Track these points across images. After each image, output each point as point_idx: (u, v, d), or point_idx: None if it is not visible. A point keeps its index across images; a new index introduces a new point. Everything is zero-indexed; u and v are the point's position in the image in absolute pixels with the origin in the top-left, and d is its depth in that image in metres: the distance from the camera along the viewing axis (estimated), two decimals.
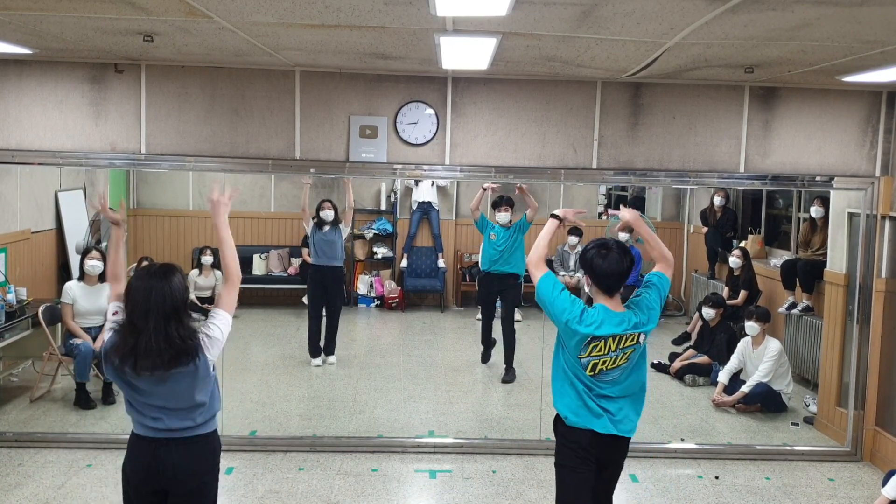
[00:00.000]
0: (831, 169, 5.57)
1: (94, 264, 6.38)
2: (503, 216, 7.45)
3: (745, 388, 6.60)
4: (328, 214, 7.72)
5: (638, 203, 11.88)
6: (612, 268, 3.37)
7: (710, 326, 7.62)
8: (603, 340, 3.34)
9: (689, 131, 5.52)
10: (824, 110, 5.52)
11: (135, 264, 8.28)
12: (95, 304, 6.41)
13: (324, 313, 7.82)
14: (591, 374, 3.39)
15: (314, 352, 7.80)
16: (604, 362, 3.37)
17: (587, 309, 3.39)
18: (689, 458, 5.66)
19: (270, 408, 6.48)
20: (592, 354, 3.36)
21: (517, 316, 9.70)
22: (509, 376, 7.39)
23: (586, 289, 3.51)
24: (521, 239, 7.43)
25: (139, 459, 2.97)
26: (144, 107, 5.36)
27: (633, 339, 3.40)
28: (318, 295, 7.78)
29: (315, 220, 7.74)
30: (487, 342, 7.87)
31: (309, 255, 8.02)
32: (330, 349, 7.86)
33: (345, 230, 7.79)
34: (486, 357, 7.92)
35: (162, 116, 5.36)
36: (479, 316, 8.17)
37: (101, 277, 6.51)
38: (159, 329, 2.82)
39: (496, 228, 7.47)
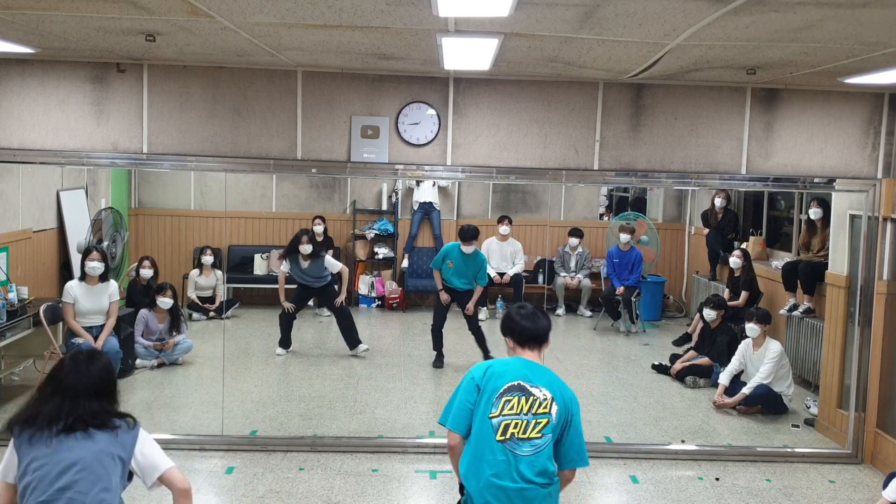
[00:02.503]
0: (833, 171, 5.56)
1: (94, 265, 6.39)
2: (469, 248, 7.77)
3: (745, 390, 6.60)
4: (306, 249, 7.90)
5: (639, 204, 11.88)
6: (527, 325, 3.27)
7: (711, 328, 7.61)
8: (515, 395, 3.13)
9: (690, 132, 5.52)
10: (826, 112, 5.52)
11: (135, 264, 8.29)
12: (97, 303, 6.43)
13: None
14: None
15: (282, 343, 8.17)
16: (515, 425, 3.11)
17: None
18: (689, 459, 5.66)
19: (271, 407, 6.48)
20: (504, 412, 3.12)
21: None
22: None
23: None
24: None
25: None
26: (146, 106, 5.36)
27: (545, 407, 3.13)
28: (298, 300, 8.25)
29: (288, 258, 8.04)
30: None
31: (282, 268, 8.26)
32: (352, 342, 8.11)
33: (326, 256, 8.05)
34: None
35: (164, 116, 5.37)
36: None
37: (103, 277, 6.52)
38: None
39: (455, 255, 7.84)
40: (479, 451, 3.12)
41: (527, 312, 3.30)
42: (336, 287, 8.25)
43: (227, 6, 3.46)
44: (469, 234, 7.75)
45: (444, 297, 8.00)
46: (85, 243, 7.92)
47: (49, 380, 2.88)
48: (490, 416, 3.11)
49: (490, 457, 3.09)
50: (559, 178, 5.57)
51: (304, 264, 7.95)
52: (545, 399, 3.10)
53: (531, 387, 3.12)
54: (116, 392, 2.96)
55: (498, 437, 3.08)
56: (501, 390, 3.12)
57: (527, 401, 3.09)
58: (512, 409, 3.09)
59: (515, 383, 3.13)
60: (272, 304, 10.45)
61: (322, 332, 9.42)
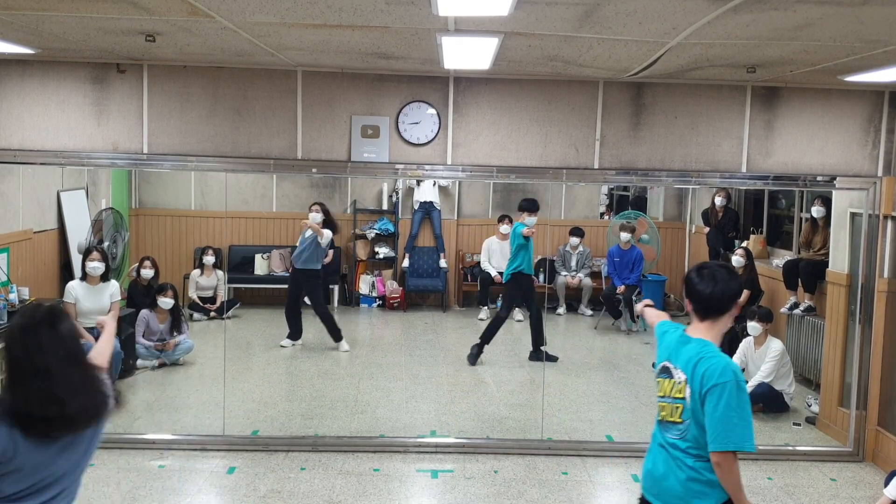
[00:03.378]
0: (833, 169, 5.56)
1: (95, 265, 6.39)
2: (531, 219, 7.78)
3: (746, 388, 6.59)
4: (314, 218, 8.10)
5: (640, 203, 11.88)
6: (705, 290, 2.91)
7: None
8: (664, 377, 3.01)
9: (691, 131, 5.51)
10: (826, 110, 5.52)
11: (136, 265, 8.29)
12: (98, 303, 6.42)
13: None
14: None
15: (290, 335, 8.41)
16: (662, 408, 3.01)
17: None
18: None
19: (272, 407, 6.49)
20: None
21: (519, 316, 9.75)
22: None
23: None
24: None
25: None
26: (146, 106, 5.37)
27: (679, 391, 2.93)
28: (292, 292, 8.45)
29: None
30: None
31: None
32: (335, 337, 8.27)
33: (323, 241, 8.06)
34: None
35: (164, 116, 5.37)
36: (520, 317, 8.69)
37: (103, 277, 6.52)
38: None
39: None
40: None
41: (707, 272, 2.92)
42: (319, 281, 8.37)
43: (227, 6, 3.46)
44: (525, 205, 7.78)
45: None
46: (85, 244, 7.91)
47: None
48: (657, 393, 3.08)
49: (656, 432, 3.08)
50: (559, 177, 5.57)
51: (307, 232, 8.08)
52: (680, 382, 2.92)
53: (674, 368, 2.96)
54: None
55: (658, 417, 3.05)
56: (658, 369, 3.05)
57: (670, 383, 2.96)
58: (661, 391, 3.01)
59: (663, 364, 3.01)
60: (273, 304, 10.46)
61: (323, 332, 9.42)
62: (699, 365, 2.83)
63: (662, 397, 2.98)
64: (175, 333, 7.63)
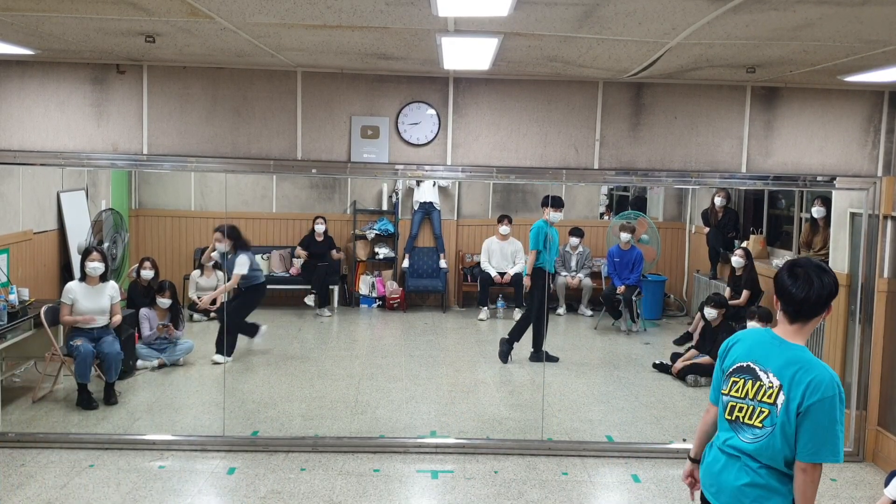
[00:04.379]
0: (833, 169, 5.56)
1: (95, 266, 6.39)
2: (559, 215, 7.97)
3: None
4: (219, 249, 8.05)
5: (640, 203, 11.88)
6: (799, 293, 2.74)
7: (713, 327, 7.61)
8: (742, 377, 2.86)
9: (690, 131, 5.52)
10: (826, 110, 5.52)
11: (136, 265, 8.29)
12: (97, 304, 6.42)
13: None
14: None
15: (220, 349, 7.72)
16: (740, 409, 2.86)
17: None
18: None
19: (272, 408, 6.48)
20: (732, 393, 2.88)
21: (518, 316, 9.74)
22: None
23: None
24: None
25: None
26: (146, 107, 5.37)
27: (769, 395, 2.77)
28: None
29: None
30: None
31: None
32: (218, 349, 7.73)
33: (240, 269, 7.72)
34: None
35: (164, 117, 5.37)
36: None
37: (102, 277, 6.52)
38: None
39: (552, 230, 7.94)
40: (719, 423, 2.95)
41: (801, 272, 2.74)
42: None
43: (227, 7, 3.46)
44: (556, 200, 7.89)
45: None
46: (85, 244, 7.92)
47: None
48: (723, 392, 2.91)
49: (722, 432, 2.94)
50: (559, 178, 5.57)
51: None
52: (771, 388, 2.73)
53: (761, 370, 2.78)
54: None
55: (726, 416, 2.88)
56: (732, 368, 2.87)
57: (753, 385, 2.78)
58: (738, 391, 2.83)
59: (745, 364, 2.83)
60: (273, 305, 10.47)
61: (323, 333, 9.43)
62: (800, 374, 2.68)
63: (742, 398, 2.81)
64: (174, 329, 7.67)
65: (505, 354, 7.99)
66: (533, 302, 8.06)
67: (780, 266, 2.81)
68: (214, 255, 7.90)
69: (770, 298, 8.38)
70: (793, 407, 2.67)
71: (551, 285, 10.45)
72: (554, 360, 8.02)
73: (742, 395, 2.81)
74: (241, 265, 7.66)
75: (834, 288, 2.75)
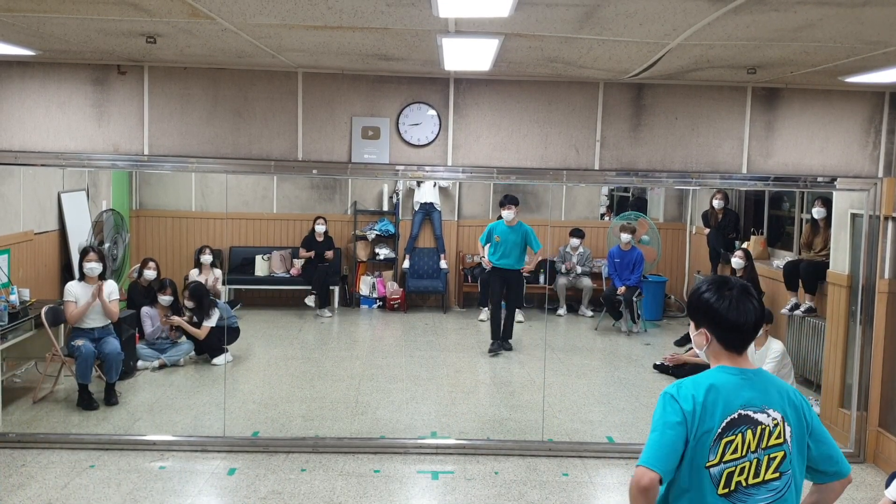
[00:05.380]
0: (834, 170, 5.56)
1: (92, 266, 6.38)
2: (508, 213, 8.19)
3: None
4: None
5: (640, 204, 11.88)
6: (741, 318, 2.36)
7: None
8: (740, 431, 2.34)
9: (691, 132, 5.52)
10: (827, 111, 5.52)
11: (137, 265, 8.29)
12: (95, 305, 6.41)
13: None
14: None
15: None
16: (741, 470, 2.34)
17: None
18: None
19: (273, 409, 6.48)
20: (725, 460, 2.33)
21: (519, 317, 9.76)
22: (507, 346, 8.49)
23: (699, 351, 2.49)
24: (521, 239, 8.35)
25: None
26: (147, 108, 5.37)
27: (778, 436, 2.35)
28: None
29: None
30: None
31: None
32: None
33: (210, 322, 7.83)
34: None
35: (165, 118, 5.37)
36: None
37: (101, 277, 6.51)
38: None
39: (512, 228, 8.26)
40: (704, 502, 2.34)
41: (733, 297, 2.36)
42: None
43: (228, 8, 3.46)
44: (508, 199, 8.19)
45: (486, 262, 8.56)
46: (86, 245, 7.92)
47: None
48: (707, 465, 2.32)
49: None
50: (560, 179, 5.57)
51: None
52: (777, 425, 2.33)
53: (756, 413, 2.33)
54: None
55: (720, 491, 2.31)
56: (719, 430, 2.31)
57: (754, 435, 2.32)
58: (736, 451, 2.31)
59: (736, 415, 2.32)
60: (273, 306, 10.48)
61: (323, 334, 9.43)
62: (784, 397, 2.38)
63: (742, 457, 2.31)
64: (174, 330, 7.68)
65: (495, 352, 8.40)
66: (490, 296, 8.66)
67: (699, 291, 2.42)
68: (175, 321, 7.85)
69: (770, 299, 8.35)
70: (799, 433, 2.39)
71: (551, 287, 10.47)
72: (507, 348, 8.50)
73: (743, 454, 2.32)
74: (213, 318, 7.76)
75: (763, 310, 2.44)
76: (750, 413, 2.33)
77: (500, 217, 8.48)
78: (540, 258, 9.34)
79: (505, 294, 8.47)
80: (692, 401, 2.33)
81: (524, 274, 8.72)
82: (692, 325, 2.48)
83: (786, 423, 2.36)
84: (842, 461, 2.45)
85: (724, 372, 2.38)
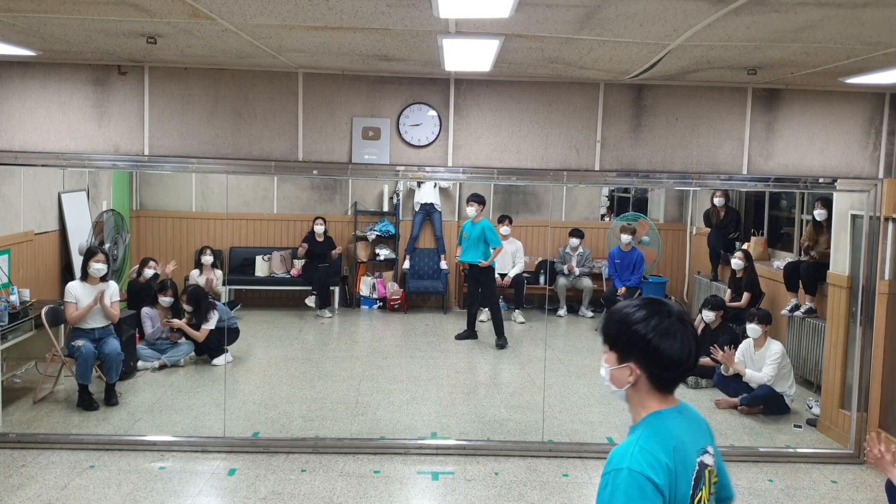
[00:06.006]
0: (834, 171, 5.56)
1: (99, 267, 6.37)
2: (471, 210, 8.72)
3: (747, 373, 6.63)
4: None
5: (640, 205, 11.88)
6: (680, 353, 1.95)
7: (712, 329, 7.61)
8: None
9: (691, 133, 5.52)
10: (827, 112, 5.52)
11: (137, 266, 8.29)
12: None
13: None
14: None
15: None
16: None
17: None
18: None
19: (273, 409, 6.48)
20: None
21: (520, 318, 9.76)
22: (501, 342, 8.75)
23: (615, 389, 2.15)
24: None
25: None
26: (147, 108, 5.37)
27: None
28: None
29: None
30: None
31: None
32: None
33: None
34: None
35: (165, 118, 5.37)
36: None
37: (103, 278, 6.51)
38: None
39: (476, 226, 8.75)
40: None
41: (674, 327, 1.94)
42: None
43: (228, 8, 3.46)
44: (472, 197, 8.69)
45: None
46: (86, 245, 7.92)
47: None
48: None
49: None
50: (560, 179, 5.57)
51: None
52: (713, 458, 2.05)
53: (703, 455, 2.00)
54: None
55: None
56: (691, 492, 1.94)
57: (709, 482, 2.00)
58: (705, 497, 1.99)
59: (697, 467, 1.97)
60: (274, 306, 10.48)
61: (323, 334, 9.43)
62: (704, 429, 2.10)
63: None
64: (175, 330, 7.68)
65: (464, 338, 9.04)
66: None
67: (629, 316, 1.97)
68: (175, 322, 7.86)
69: (771, 300, 8.35)
70: (719, 465, 2.09)
71: (551, 287, 10.47)
72: (473, 336, 9.04)
73: (705, 499, 1.99)
74: (212, 321, 7.76)
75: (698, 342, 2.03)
76: (702, 459, 2.00)
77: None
78: (511, 260, 9.98)
79: (480, 292, 8.90)
80: (666, 472, 1.88)
81: (493, 269, 9.01)
82: (611, 355, 2.03)
83: (715, 452, 2.07)
84: (731, 486, 2.15)
85: (671, 419, 2.00)
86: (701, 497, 1.94)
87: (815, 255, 7.24)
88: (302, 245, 10.25)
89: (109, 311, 6.44)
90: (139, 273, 8.11)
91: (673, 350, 1.92)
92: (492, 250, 8.69)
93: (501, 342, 8.64)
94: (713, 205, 9.59)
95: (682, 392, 7.34)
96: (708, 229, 9.78)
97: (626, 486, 1.83)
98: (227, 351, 7.76)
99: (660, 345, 1.92)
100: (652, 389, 2.00)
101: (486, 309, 10.01)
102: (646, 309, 1.95)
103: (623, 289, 9.43)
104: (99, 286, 6.45)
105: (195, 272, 9.64)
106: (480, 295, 8.89)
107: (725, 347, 6.82)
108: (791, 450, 5.88)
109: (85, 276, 6.43)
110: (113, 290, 6.58)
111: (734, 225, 9.47)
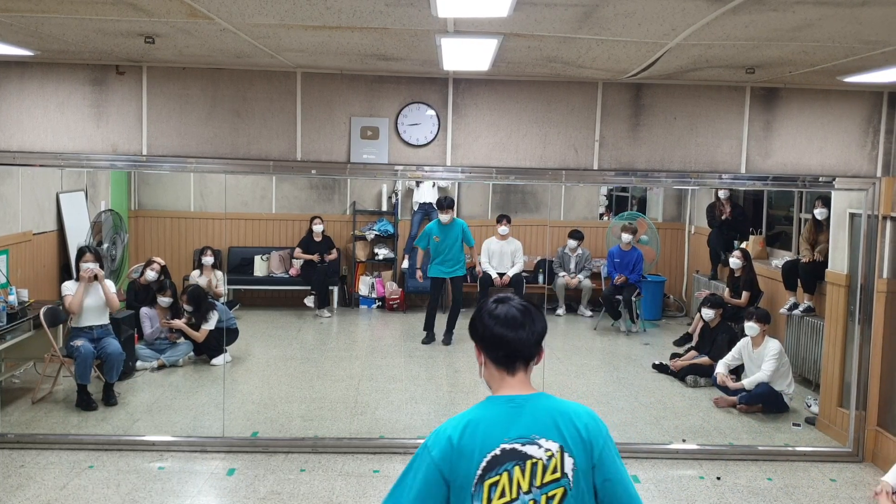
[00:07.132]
0: (832, 169, 5.57)
1: (89, 266, 6.36)
2: (445, 216, 8.70)
3: (745, 384, 6.63)
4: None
5: (640, 204, 11.89)
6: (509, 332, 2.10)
7: (711, 327, 7.62)
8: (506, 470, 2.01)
9: (690, 132, 5.52)
10: (825, 111, 5.52)
11: (137, 265, 8.29)
12: (94, 301, 6.40)
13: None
14: None
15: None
16: None
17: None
18: (690, 458, 5.66)
19: (272, 409, 6.48)
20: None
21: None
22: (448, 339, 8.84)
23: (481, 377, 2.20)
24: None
25: None
26: (146, 108, 5.37)
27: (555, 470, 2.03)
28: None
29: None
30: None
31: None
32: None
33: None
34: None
35: (163, 118, 5.37)
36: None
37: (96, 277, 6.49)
38: None
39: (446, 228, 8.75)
40: None
41: (507, 312, 2.10)
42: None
43: (226, 8, 3.46)
44: (446, 202, 8.64)
45: (419, 275, 9.26)
46: (83, 245, 7.91)
47: None
48: None
49: None
50: (559, 178, 5.57)
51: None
52: (551, 457, 2.02)
53: (525, 445, 2.02)
54: None
55: None
56: (479, 472, 1.99)
57: (523, 472, 2.00)
58: (504, 494, 1.99)
59: (498, 451, 2.01)
60: (272, 306, 10.48)
61: (322, 334, 9.43)
62: (568, 423, 2.10)
63: (510, 502, 1.98)
64: (174, 331, 7.68)
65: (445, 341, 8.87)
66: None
67: (478, 307, 2.18)
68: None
69: (769, 298, 8.37)
70: (584, 469, 2.06)
71: (550, 287, 10.47)
72: (447, 342, 8.85)
73: (514, 496, 1.99)
74: (212, 322, 7.77)
75: (545, 324, 2.16)
76: (517, 446, 2.01)
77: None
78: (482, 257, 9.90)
79: (452, 295, 9.04)
80: (448, 443, 2.01)
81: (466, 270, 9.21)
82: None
83: (565, 454, 2.03)
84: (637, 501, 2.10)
85: (489, 404, 2.09)
86: (500, 482, 1.99)
87: (818, 255, 7.24)
88: (298, 249, 10.21)
89: (109, 295, 6.40)
90: (141, 273, 8.09)
91: (496, 328, 2.09)
92: (468, 251, 8.84)
93: (447, 340, 8.80)
94: (717, 199, 9.55)
95: (681, 391, 7.38)
96: (709, 229, 9.77)
97: (415, 455, 2.09)
98: (226, 351, 7.76)
99: (488, 324, 2.10)
100: (495, 371, 2.14)
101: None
102: (493, 300, 2.17)
103: (622, 277, 9.45)
104: (94, 285, 6.43)
105: (195, 273, 9.64)
106: (453, 296, 8.94)
107: (723, 375, 6.82)
108: (790, 448, 5.88)
109: (79, 277, 6.41)
110: (109, 283, 6.55)
111: (741, 223, 9.44)
